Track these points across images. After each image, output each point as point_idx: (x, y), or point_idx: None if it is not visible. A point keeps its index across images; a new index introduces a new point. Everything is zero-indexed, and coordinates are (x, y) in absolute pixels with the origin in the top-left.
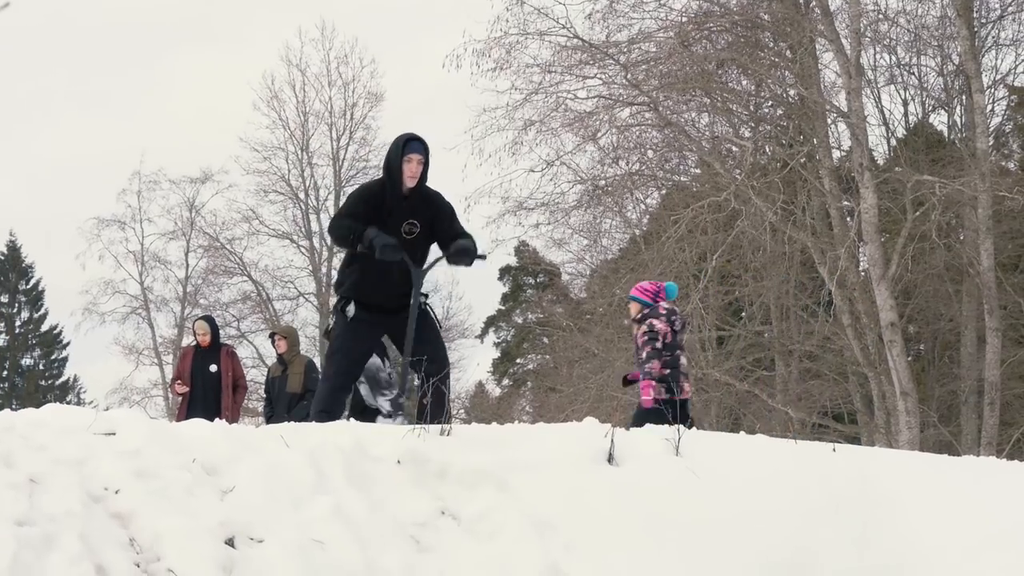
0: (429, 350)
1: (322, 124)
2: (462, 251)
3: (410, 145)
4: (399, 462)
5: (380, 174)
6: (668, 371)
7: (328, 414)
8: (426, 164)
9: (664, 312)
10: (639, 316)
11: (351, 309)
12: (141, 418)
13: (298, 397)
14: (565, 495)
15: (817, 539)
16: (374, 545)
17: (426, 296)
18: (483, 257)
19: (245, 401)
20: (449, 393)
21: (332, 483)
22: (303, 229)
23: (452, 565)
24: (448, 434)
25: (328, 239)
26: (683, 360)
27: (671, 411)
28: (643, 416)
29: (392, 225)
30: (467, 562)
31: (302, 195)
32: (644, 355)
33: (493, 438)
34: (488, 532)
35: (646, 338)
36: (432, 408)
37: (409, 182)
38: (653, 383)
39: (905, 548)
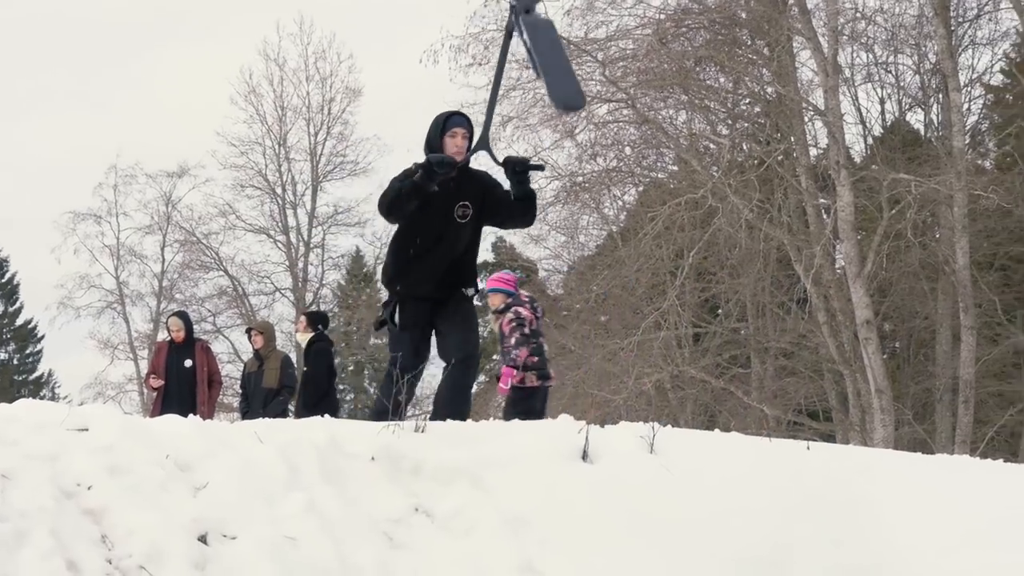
0: (462, 336)
1: (300, 119)
2: (515, 160)
3: (453, 119)
4: (373, 458)
5: (357, 169)
6: (536, 358)
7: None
8: (470, 139)
9: (527, 299)
10: (503, 306)
11: (397, 318)
12: (114, 414)
13: (274, 392)
14: (540, 492)
15: (793, 537)
16: (348, 542)
17: (476, 290)
18: (540, 167)
19: (221, 396)
20: (471, 387)
21: (306, 479)
22: (280, 224)
23: (426, 562)
24: (422, 431)
25: (381, 210)
26: (546, 347)
27: (541, 397)
28: (511, 405)
29: (440, 209)
30: (441, 559)
31: (279, 190)
32: (513, 341)
33: (467, 435)
34: (462, 529)
35: (513, 325)
36: (451, 398)
37: (456, 158)
38: (514, 371)
39: (881, 546)
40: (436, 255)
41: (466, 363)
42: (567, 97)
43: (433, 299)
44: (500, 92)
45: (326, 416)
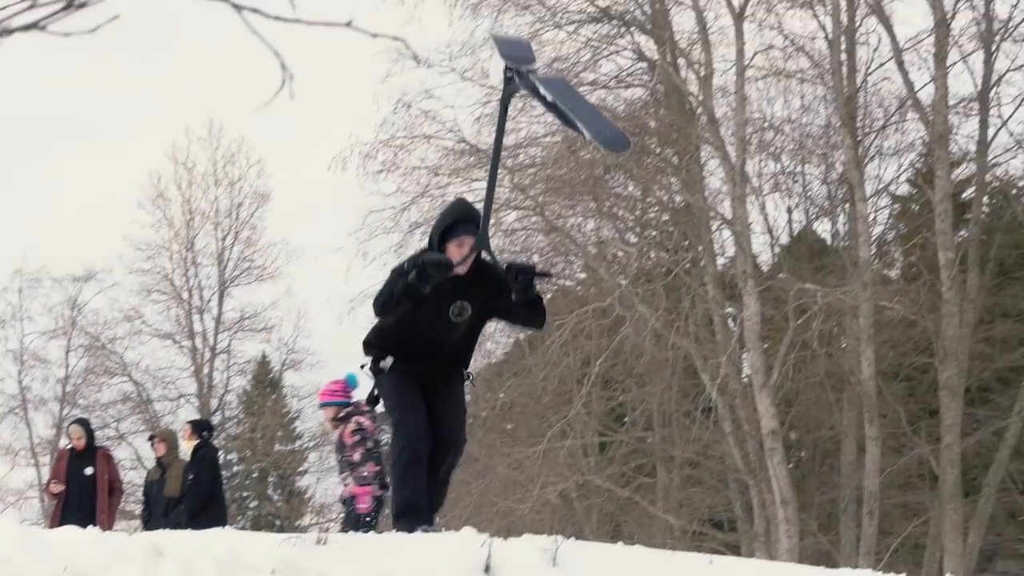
0: (452, 421)
1: (208, 223)
2: (519, 267)
3: (461, 228)
4: (274, 572)
5: (264, 274)
6: (378, 467)
7: (411, 506)
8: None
9: (367, 408)
10: (341, 415)
11: (388, 361)
12: (10, 524)
13: (176, 501)
14: None
15: None
16: None
17: (470, 376)
18: (548, 275)
19: (123, 504)
20: (452, 477)
21: None
22: (186, 329)
23: None
24: (324, 543)
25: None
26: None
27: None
28: (358, 520)
29: (436, 306)
30: None
31: (185, 295)
32: (357, 456)
33: (370, 548)
34: None
35: (357, 438)
36: (433, 485)
37: (459, 269)
38: (370, 489)
39: None
40: (425, 348)
41: (456, 445)
42: (614, 139)
43: (424, 374)
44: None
45: (214, 524)
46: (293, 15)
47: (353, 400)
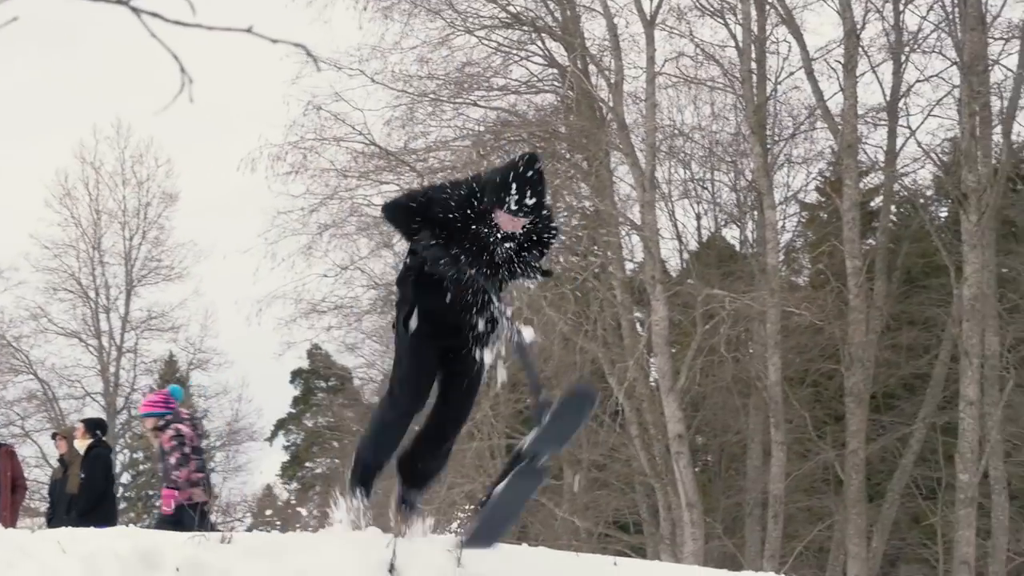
0: (463, 402)
1: (115, 223)
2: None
3: (512, 201)
4: (178, 570)
5: (172, 274)
6: (201, 474)
7: (372, 463)
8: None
9: (187, 417)
10: (161, 424)
11: (414, 323)
12: None
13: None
14: None
15: None
16: None
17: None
18: (549, 273)
19: (28, 502)
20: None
21: None
22: (92, 328)
23: None
24: (229, 542)
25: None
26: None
27: (197, 515)
28: (164, 523)
29: (480, 236)
30: None
31: (92, 294)
32: (173, 461)
33: (274, 547)
34: None
35: (174, 443)
36: (430, 465)
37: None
38: (176, 492)
39: None
40: (452, 323)
41: (460, 424)
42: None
43: (449, 333)
44: None
45: (103, 523)
46: (194, 20)
47: (173, 410)
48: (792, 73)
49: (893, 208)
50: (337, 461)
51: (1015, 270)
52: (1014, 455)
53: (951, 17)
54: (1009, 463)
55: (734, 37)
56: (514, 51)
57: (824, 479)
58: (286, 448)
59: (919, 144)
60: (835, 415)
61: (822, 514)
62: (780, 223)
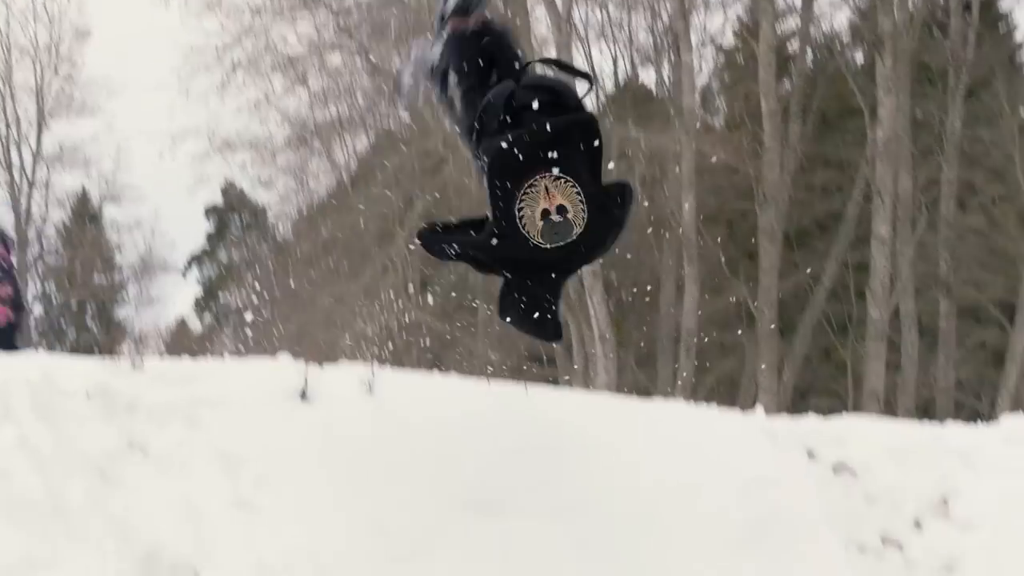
0: None
1: (26, 58)
2: None
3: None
4: (88, 396)
5: (85, 109)
6: (12, 292)
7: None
8: None
9: None
10: None
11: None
12: None
13: None
14: (257, 431)
15: (511, 479)
16: (60, 477)
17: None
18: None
19: None
20: None
21: (17, 415)
22: (3, 161)
23: (139, 498)
24: (139, 368)
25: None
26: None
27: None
28: None
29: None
30: (155, 495)
31: (3, 128)
32: None
33: (185, 374)
34: (177, 466)
35: None
36: None
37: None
38: None
39: (596, 485)
40: None
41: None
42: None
43: None
44: None
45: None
46: None
47: None
48: None
49: (809, 52)
50: (252, 296)
51: (929, 113)
52: (923, 292)
53: None
54: (919, 300)
55: None
56: None
57: (737, 315)
58: (200, 282)
59: None
60: (749, 253)
61: (734, 348)
62: (697, 66)
